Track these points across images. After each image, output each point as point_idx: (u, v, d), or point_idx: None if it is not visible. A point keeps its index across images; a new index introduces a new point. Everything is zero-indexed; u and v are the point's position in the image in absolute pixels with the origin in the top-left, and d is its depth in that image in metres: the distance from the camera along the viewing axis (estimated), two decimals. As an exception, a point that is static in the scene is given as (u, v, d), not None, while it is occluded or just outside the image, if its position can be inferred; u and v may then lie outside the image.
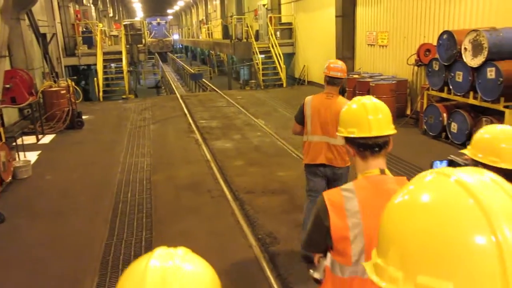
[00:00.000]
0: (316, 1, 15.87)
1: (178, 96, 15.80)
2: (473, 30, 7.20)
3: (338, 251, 1.77)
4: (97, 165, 7.79)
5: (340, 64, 4.06)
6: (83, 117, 11.38)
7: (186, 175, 7.07)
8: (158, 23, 53.98)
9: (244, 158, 7.85)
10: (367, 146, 1.84)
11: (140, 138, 9.74)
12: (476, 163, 1.89)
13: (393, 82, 10.24)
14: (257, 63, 17.66)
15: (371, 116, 1.87)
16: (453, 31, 7.77)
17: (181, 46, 55.15)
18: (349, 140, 1.89)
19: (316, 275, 2.00)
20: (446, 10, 9.22)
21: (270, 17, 18.90)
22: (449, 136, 8.17)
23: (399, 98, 10.40)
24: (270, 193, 6.24)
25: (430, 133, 8.66)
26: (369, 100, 1.94)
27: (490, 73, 6.90)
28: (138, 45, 17.78)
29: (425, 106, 8.88)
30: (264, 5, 21.40)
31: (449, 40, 7.78)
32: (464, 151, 2.07)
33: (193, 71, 27.18)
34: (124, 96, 16.28)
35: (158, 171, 7.40)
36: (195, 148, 8.65)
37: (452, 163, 2.23)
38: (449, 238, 0.67)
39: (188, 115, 11.91)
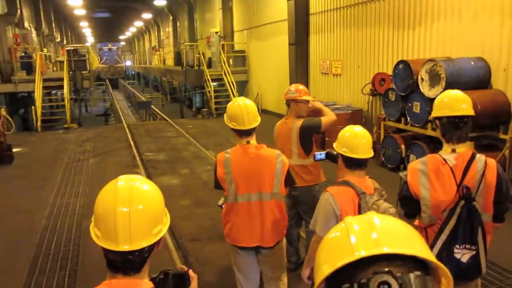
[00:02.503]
0: (269, 29, 15.62)
1: (125, 125, 14.87)
2: (430, 60, 6.95)
3: (223, 188, 3.03)
4: (21, 208, 6.77)
5: (294, 87, 4.18)
6: (15, 150, 10.27)
7: (124, 219, 6.21)
8: (110, 49, 52.89)
9: (191, 197, 7.11)
10: (242, 133, 3.00)
11: (76, 174, 8.77)
12: (339, 153, 2.62)
13: (348, 111, 9.91)
14: (209, 91, 17.07)
15: (245, 114, 2.96)
16: (409, 61, 7.52)
17: (133, 73, 53.94)
18: (232, 128, 3.02)
19: (220, 203, 3.21)
20: (399, 40, 9.05)
21: (223, 44, 18.50)
22: (408, 168, 7.81)
23: (355, 128, 10.07)
24: (218, 238, 5.50)
25: (388, 165, 8.29)
26: (243, 102, 3.04)
27: (449, 104, 6.61)
28: (83, 72, 16.75)
29: (382, 137, 8.55)
30: (216, 32, 21.03)
31: (405, 69, 7.51)
32: (334, 144, 2.73)
33: (143, 99, 26.19)
34: (65, 126, 15.14)
35: (92, 214, 6.48)
36: (137, 186, 7.80)
37: (328, 154, 2.87)
38: None
39: (133, 147, 11.03)
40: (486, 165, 2.45)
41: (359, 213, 2.35)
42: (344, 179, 2.54)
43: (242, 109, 2.96)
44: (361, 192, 2.43)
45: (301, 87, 4.18)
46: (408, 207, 2.59)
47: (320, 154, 3.05)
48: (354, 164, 2.54)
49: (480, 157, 2.48)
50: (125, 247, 1.33)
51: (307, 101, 4.11)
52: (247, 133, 3.00)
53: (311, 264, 2.57)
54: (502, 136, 6.70)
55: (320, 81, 12.58)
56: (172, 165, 9.23)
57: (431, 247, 2.43)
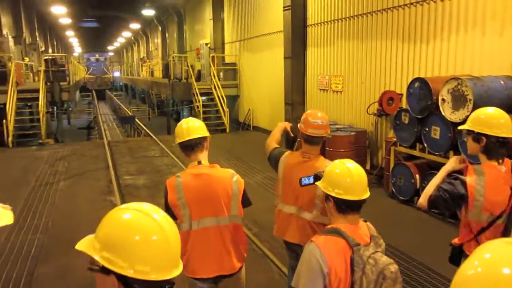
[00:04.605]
0: (263, 41, 14.67)
1: (105, 142, 13.70)
2: (453, 78, 5.98)
3: (175, 215, 2.72)
4: (-36, 249, 5.59)
5: (321, 118, 3.23)
6: (-25, 170, 9.08)
7: (88, 267, 5.08)
8: (97, 59, 51.89)
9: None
10: (184, 147, 2.82)
11: (41, 201, 7.60)
12: (329, 196, 2.15)
13: (352, 133, 8.90)
14: (197, 105, 16.01)
15: (185, 128, 2.82)
16: (427, 79, 6.56)
17: (121, 84, 52.79)
18: (179, 144, 2.83)
19: None
20: (410, 54, 8.10)
21: (213, 56, 17.52)
22: (424, 202, 6.80)
23: (358, 151, 9.04)
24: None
25: (400, 197, 7.27)
26: (186, 119, 2.93)
27: (477, 130, 5.64)
28: (62, 83, 15.58)
29: (392, 164, 7.55)
30: (206, 43, 20.07)
31: (422, 89, 6.55)
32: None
33: (129, 112, 25.00)
34: (40, 142, 13.91)
35: (50, 257, 5.35)
36: (109, 219, 6.66)
37: (317, 177, 2.44)
38: None
39: (111, 168, 9.88)
40: None
41: (352, 270, 1.98)
42: (333, 226, 2.10)
43: (183, 122, 2.87)
44: (355, 243, 2.01)
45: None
46: (453, 204, 2.69)
47: (308, 179, 2.71)
48: (349, 207, 2.12)
49: None
50: (174, 273, 1.21)
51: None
52: (190, 147, 2.79)
53: None
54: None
55: (318, 98, 11.60)
56: (152, 192, 8.09)
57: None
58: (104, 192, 8.16)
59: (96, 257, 1.18)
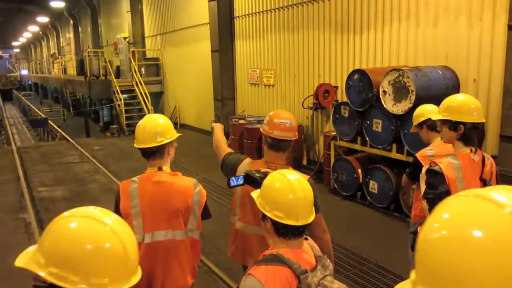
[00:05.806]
0: (188, 34, 13.93)
1: (14, 148, 12.20)
2: (394, 69, 5.82)
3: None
4: None
5: (289, 118, 2.71)
6: None
7: (-3, 307, 4.20)
8: (0, 57, 47.34)
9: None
10: (145, 153, 2.52)
11: None
12: (268, 217, 1.78)
13: (288, 128, 8.59)
14: (119, 104, 14.89)
15: (141, 130, 2.52)
16: (367, 70, 6.36)
17: (30, 83, 48.67)
18: (141, 149, 2.52)
19: None
20: (344, 46, 7.93)
21: (133, 51, 16.41)
22: (368, 197, 6.66)
23: (295, 146, 8.76)
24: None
25: (343, 193, 7.07)
26: (149, 116, 2.62)
27: (420, 122, 5.52)
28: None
29: (332, 159, 7.32)
30: (125, 38, 18.80)
31: (361, 81, 6.34)
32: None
33: (42, 114, 22.85)
34: None
35: None
36: (22, 242, 5.68)
37: (248, 177, 2.26)
38: None
39: (22, 179, 8.67)
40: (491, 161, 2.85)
41: None
42: (274, 253, 1.76)
43: (143, 123, 2.57)
44: (301, 271, 1.68)
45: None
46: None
47: (237, 179, 2.31)
48: (291, 232, 1.76)
49: (487, 155, 2.84)
50: (133, 281, 1.15)
51: None
52: (150, 153, 2.52)
53: None
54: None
55: (249, 93, 11.17)
56: (73, 205, 7.00)
57: None
58: (15, 209, 7.06)
59: (42, 274, 1.04)
